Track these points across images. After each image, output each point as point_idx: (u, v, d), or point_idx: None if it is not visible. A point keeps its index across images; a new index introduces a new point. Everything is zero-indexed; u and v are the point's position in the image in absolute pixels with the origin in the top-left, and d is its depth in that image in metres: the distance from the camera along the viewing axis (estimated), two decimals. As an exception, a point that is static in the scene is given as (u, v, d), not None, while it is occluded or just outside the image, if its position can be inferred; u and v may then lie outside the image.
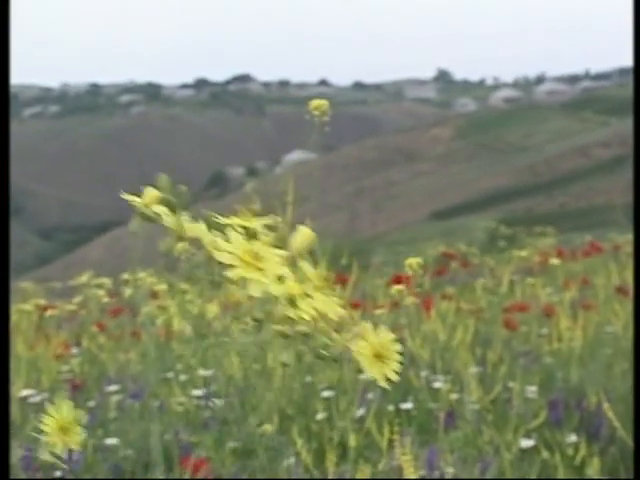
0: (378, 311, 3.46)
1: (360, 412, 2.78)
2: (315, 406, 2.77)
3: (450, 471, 2.26)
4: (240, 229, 0.68)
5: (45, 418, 0.72)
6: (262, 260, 0.67)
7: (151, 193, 0.72)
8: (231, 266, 0.66)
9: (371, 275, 5.85)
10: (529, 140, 72.25)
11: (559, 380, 3.34)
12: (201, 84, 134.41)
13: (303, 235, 0.72)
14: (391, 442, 2.36)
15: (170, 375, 3.32)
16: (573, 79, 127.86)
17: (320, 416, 2.72)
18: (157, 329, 3.54)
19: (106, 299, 4.48)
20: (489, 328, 4.00)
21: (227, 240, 0.67)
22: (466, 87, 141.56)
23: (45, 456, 0.76)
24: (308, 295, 0.68)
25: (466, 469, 2.40)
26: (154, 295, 3.62)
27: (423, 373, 3.05)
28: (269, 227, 0.70)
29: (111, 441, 2.76)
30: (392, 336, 0.70)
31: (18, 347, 3.63)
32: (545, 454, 2.58)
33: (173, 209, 0.72)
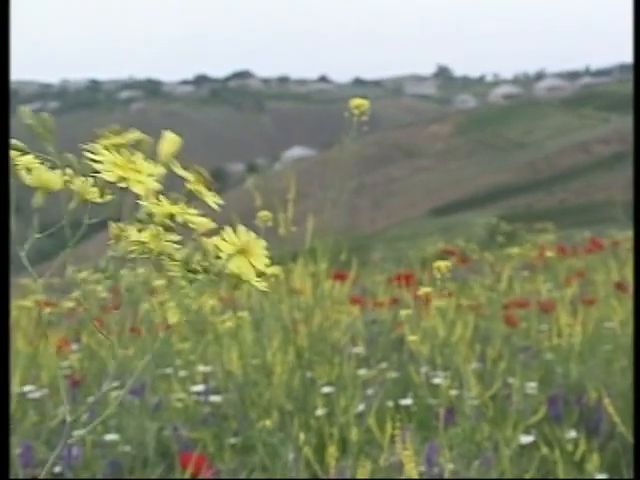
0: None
1: (360, 408, 2.78)
2: (315, 402, 2.77)
3: (449, 467, 2.26)
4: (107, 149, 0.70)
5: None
6: (136, 164, 0.68)
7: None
8: (108, 172, 0.67)
9: (371, 271, 5.85)
10: (529, 136, 72.25)
11: (559, 376, 3.34)
12: (201, 80, 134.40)
13: (169, 141, 0.72)
14: (392, 438, 2.36)
15: (169, 371, 3.32)
16: (573, 75, 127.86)
17: (320, 412, 2.72)
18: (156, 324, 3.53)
19: (104, 294, 4.47)
20: (489, 324, 4.00)
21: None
22: (466, 83, 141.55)
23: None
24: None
25: (465, 465, 2.40)
26: (152, 291, 3.62)
27: (423, 369, 3.05)
28: (135, 143, 0.72)
29: (110, 437, 2.77)
30: (253, 235, 0.69)
31: (18, 343, 3.63)
32: (545, 450, 2.58)
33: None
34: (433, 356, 2.83)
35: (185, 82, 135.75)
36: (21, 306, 4.14)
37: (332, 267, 3.01)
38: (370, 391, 2.98)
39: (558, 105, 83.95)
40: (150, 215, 0.68)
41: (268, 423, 2.61)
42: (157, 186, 0.68)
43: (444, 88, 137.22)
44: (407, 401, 2.94)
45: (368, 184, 62.60)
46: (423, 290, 1.73)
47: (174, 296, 0.69)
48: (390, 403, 2.93)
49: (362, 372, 3.16)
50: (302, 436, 2.49)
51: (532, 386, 3.07)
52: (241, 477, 2.58)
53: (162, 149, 0.72)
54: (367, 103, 1.78)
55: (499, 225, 10.86)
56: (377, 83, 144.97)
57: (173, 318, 0.70)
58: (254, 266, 0.68)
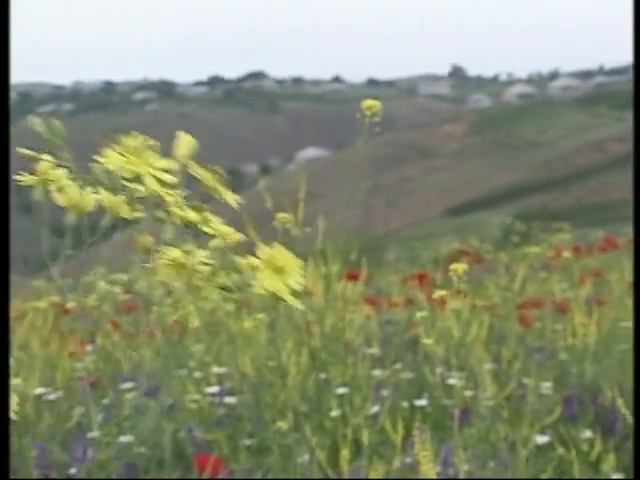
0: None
1: (374, 409, 2.77)
2: (329, 403, 2.76)
3: (465, 468, 2.25)
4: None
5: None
6: (150, 160, 0.68)
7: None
8: (121, 168, 0.66)
9: (385, 271, 5.84)
10: (543, 136, 72.09)
11: (574, 376, 3.33)
12: (215, 81, 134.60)
13: (184, 142, 0.71)
14: (405, 439, 2.36)
15: (184, 372, 3.32)
16: (587, 74, 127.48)
17: (334, 413, 2.72)
18: (170, 326, 3.54)
19: (120, 296, 4.48)
20: (504, 324, 4.00)
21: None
22: (480, 83, 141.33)
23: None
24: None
25: (481, 466, 2.39)
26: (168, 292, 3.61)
27: (438, 370, 3.04)
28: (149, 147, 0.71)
29: (125, 438, 2.77)
30: (289, 251, 0.68)
31: (33, 345, 3.64)
32: (560, 450, 2.57)
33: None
34: (448, 356, 2.82)
35: (199, 83, 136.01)
36: (36, 307, 4.15)
37: (345, 267, 3.00)
38: (385, 392, 2.98)
39: (572, 104, 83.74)
40: (168, 213, 0.68)
41: (282, 424, 2.61)
42: (173, 180, 0.68)
43: (458, 88, 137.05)
44: (422, 402, 2.93)
45: (382, 184, 62.57)
46: (438, 293, 1.73)
47: (195, 301, 0.68)
48: (405, 404, 2.92)
49: (376, 373, 3.15)
50: (316, 437, 2.49)
51: (547, 386, 3.06)
52: (256, 478, 2.58)
53: (178, 150, 0.71)
54: (379, 104, 1.78)
55: (514, 225, 10.85)
56: (391, 83, 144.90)
57: (194, 322, 0.69)
58: (288, 286, 0.66)
